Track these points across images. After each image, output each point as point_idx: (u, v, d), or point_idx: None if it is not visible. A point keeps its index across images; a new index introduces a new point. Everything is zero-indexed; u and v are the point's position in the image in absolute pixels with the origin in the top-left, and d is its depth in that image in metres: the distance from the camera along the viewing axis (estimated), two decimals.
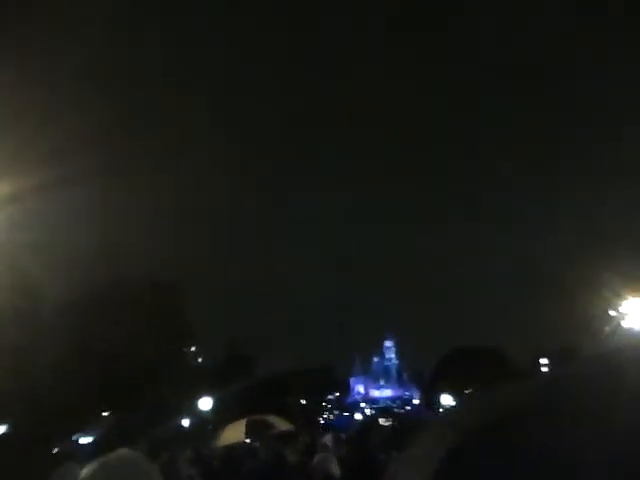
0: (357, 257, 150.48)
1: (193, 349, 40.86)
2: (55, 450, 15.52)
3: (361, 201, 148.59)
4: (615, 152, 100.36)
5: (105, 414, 30.61)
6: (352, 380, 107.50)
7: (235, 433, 7.43)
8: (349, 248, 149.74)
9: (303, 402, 59.28)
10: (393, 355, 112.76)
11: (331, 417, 65.65)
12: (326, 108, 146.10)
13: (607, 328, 22.81)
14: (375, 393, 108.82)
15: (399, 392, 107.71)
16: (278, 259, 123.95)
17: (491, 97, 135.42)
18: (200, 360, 43.48)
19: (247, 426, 7.17)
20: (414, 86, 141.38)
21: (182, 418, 30.56)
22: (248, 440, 8.35)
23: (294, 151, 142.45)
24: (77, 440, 25.69)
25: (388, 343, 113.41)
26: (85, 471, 1.66)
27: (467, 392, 60.91)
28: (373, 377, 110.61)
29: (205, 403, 29.21)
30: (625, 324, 20.89)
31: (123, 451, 1.72)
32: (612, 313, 22.22)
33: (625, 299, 21.33)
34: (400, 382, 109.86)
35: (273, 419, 7.60)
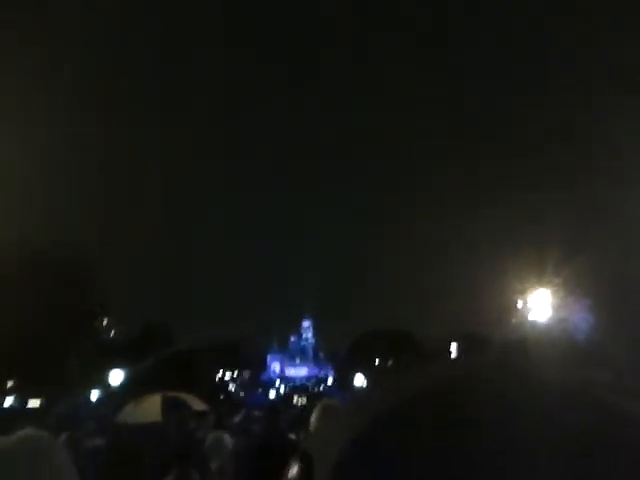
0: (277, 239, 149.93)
1: (105, 322, 39.79)
2: None
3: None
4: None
5: (10, 383, 29.39)
6: (269, 357, 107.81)
7: (149, 411, 7.17)
8: (271, 226, 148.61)
9: (217, 378, 59.07)
10: (310, 334, 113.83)
11: (246, 394, 65.91)
12: None
13: (514, 319, 23.92)
14: (291, 372, 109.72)
15: (315, 371, 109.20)
16: (200, 236, 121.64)
17: None
18: (113, 333, 42.43)
19: (162, 404, 6.97)
20: None
21: (91, 392, 29.81)
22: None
23: None
24: None
25: (306, 322, 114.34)
26: None
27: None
28: (289, 355, 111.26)
29: (115, 377, 28.55)
30: (531, 316, 22.02)
31: (26, 431, 1.64)
32: (519, 305, 23.32)
33: (532, 291, 22.46)
34: (316, 361, 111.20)
35: (187, 397, 7.47)
